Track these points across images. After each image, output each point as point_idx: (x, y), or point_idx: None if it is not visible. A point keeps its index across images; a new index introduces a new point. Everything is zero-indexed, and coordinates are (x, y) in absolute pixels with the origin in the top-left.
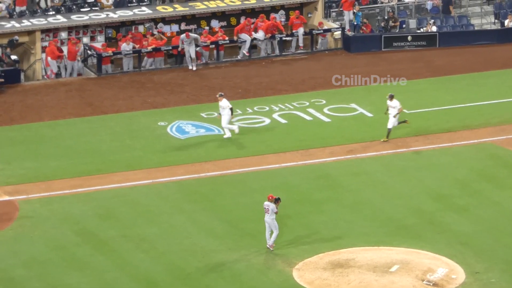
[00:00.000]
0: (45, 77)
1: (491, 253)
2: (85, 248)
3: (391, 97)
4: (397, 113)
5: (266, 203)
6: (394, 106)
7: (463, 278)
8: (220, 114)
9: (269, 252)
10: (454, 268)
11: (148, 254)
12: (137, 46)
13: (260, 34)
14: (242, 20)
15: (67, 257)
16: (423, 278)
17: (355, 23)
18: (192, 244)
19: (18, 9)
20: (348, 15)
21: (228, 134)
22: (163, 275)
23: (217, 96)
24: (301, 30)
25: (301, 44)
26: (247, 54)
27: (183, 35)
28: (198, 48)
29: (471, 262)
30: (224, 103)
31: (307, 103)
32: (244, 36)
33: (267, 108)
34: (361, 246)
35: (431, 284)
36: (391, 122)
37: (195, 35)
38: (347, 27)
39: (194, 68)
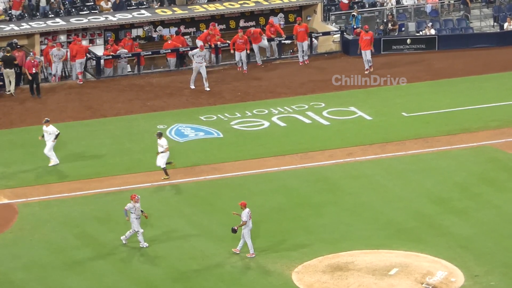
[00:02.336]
0: (79, 82)
1: (491, 256)
2: (84, 251)
3: (160, 135)
4: (163, 152)
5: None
6: (162, 144)
7: (462, 281)
8: (43, 138)
9: (269, 255)
10: (453, 271)
11: (148, 257)
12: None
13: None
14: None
15: (66, 260)
16: (422, 281)
17: (355, 26)
18: (191, 247)
19: (13, 13)
20: (365, 55)
21: (55, 161)
22: (163, 278)
23: (43, 122)
24: (305, 45)
25: (306, 58)
26: (240, 69)
27: (196, 50)
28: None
29: (471, 265)
30: (51, 129)
31: (306, 106)
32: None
33: (266, 111)
34: (360, 249)
35: (431, 287)
36: (160, 161)
37: (206, 50)
38: (366, 66)
39: (208, 88)
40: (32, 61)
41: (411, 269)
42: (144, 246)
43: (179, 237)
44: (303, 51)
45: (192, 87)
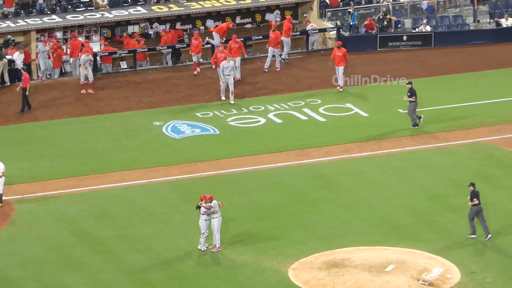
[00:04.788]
0: (88, 88)
1: (487, 253)
2: (81, 248)
3: None
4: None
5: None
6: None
7: (459, 277)
8: None
9: (265, 252)
10: (449, 267)
11: (144, 254)
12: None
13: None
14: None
15: (63, 257)
16: (418, 278)
17: (351, 23)
18: (188, 244)
19: (8, 10)
20: (337, 71)
21: None
22: (159, 275)
23: None
24: (276, 51)
25: (266, 67)
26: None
27: (224, 62)
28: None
29: (467, 262)
30: None
31: (303, 103)
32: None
33: (263, 108)
34: (356, 246)
35: (427, 284)
36: None
37: (232, 62)
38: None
39: (233, 101)
40: (23, 76)
41: (407, 265)
42: (202, 249)
43: (175, 234)
44: (273, 56)
45: (223, 98)
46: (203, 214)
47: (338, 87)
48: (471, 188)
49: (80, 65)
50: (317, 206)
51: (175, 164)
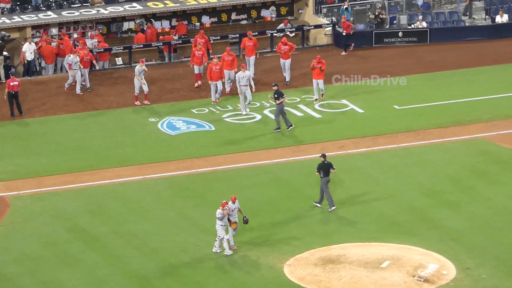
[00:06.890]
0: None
1: (482, 249)
2: (76, 244)
3: None
4: None
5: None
6: None
7: (454, 274)
8: None
9: (261, 248)
10: (445, 264)
11: (140, 251)
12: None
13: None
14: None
15: (58, 254)
16: (414, 274)
17: (345, 20)
18: (183, 240)
19: (2, 5)
20: (316, 84)
21: None
22: (155, 272)
23: None
24: (252, 59)
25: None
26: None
27: (239, 72)
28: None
29: (462, 258)
30: None
31: (298, 99)
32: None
33: (258, 104)
34: (352, 242)
35: (422, 280)
36: None
37: (248, 72)
38: (316, 95)
39: (245, 111)
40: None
41: (403, 262)
42: (228, 254)
43: (171, 230)
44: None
45: (244, 113)
46: (220, 220)
47: (315, 101)
48: (322, 159)
49: (135, 76)
50: (313, 202)
51: (171, 160)
